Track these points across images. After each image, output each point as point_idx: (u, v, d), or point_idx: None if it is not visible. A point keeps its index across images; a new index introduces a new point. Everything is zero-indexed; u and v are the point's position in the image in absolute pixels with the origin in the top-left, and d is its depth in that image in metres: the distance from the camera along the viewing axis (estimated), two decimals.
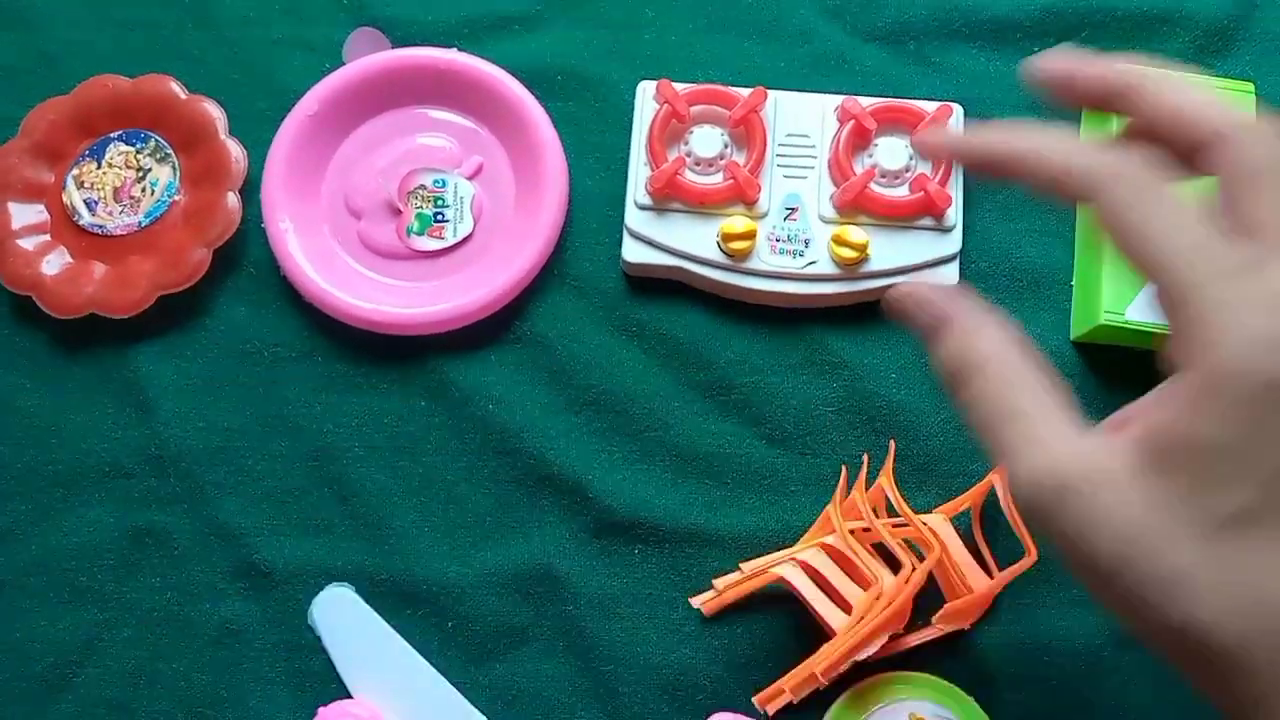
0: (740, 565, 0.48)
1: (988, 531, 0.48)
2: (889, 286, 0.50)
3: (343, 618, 0.48)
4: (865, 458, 0.48)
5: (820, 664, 0.44)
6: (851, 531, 0.46)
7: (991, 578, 0.46)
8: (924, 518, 0.47)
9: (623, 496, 0.49)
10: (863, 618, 0.44)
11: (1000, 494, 0.46)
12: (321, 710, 0.46)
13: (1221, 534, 0.27)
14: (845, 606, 0.45)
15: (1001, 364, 0.32)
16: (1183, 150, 0.32)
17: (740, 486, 0.50)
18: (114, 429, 0.51)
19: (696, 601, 0.48)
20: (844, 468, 0.48)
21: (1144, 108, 0.33)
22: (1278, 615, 0.27)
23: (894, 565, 0.45)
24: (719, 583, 0.48)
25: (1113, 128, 0.50)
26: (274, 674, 0.48)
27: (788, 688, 0.45)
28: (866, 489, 0.47)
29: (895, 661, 0.46)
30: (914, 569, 0.44)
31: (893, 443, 0.48)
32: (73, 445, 0.51)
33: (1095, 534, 0.29)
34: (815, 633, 0.46)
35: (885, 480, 0.47)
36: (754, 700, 0.45)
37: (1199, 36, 0.54)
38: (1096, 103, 0.34)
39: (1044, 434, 0.30)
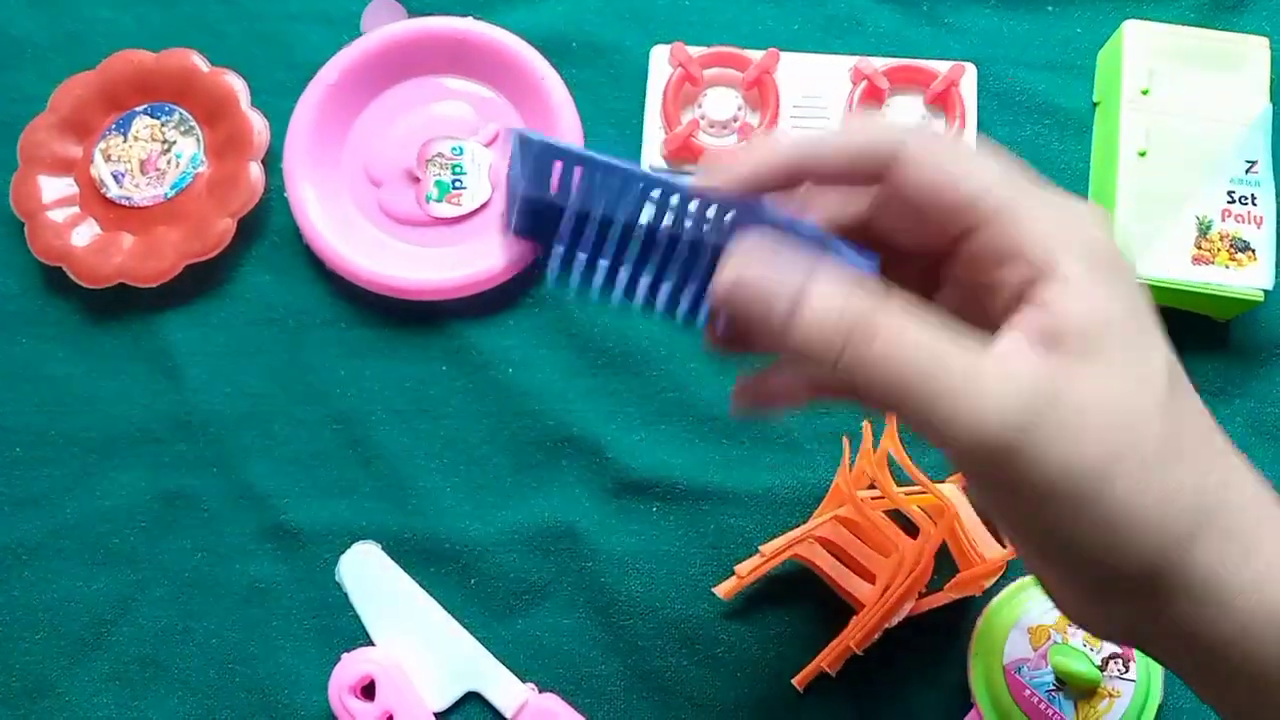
0: (760, 549, 0.47)
1: None
2: None
3: (369, 573, 0.49)
4: (866, 426, 0.47)
5: (855, 637, 0.45)
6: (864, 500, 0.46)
7: (1004, 546, 0.46)
8: (938, 487, 0.46)
9: (640, 456, 0.50)
10: (888, 586, 0.44)
11: None
12: (345, 656, 0.47)
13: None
14: (867, 576, 0.46)
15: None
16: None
17: (756, 445, 0.50)
18: (144, 395, 0.52)
19: (720, 590, 0.47)
20: (846, 439, 0.48)
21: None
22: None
23: (907, 529, 0.45)
24: (741, 569, 0.47)
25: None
26: (302, 631, 0.49)
27: (825, 665, 0.46)
28: (873, 450, 0.47)
29: (908, 623, 0.46)
30: (932, 529, 0.44)
31: None
32: (104, 411, 0.52)
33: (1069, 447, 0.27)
34: (829, 585, 0.46)
35: (890, 443, 0.47)
36: (793, 681, 0.46)
37: None
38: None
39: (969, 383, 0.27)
